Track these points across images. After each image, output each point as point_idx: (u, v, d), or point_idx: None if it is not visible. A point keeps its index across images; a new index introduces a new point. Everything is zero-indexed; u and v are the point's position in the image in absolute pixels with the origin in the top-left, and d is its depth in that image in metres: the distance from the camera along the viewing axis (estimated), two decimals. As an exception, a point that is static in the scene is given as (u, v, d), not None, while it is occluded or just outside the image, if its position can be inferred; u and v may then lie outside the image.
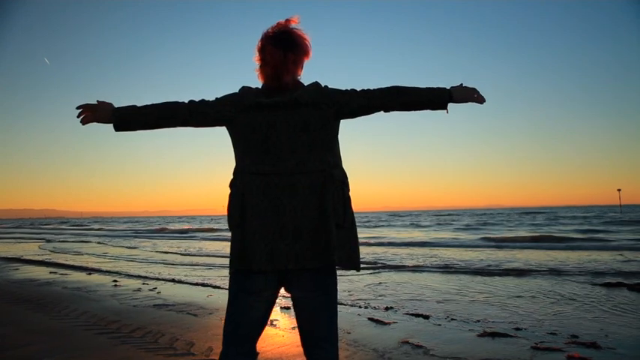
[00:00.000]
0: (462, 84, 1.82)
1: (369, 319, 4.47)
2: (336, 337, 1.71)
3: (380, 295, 5.89)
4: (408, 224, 35.04)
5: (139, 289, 6.43)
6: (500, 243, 15.61)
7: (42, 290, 6.39)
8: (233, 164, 1.76)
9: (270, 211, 1.62)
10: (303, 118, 1.67)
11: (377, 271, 8.66)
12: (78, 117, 1.75)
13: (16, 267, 9.85)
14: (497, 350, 3.39)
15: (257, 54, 1.78)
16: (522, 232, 21.61)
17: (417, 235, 22.20)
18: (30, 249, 16.28)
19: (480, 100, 1.82)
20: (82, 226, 51.80)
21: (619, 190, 63.32)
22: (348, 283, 6.89)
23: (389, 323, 4.26)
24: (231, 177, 1.75)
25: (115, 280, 7.45)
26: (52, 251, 15.04)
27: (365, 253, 12.14)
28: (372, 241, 17.79)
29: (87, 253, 14.04)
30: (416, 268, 8.96)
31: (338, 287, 1.73)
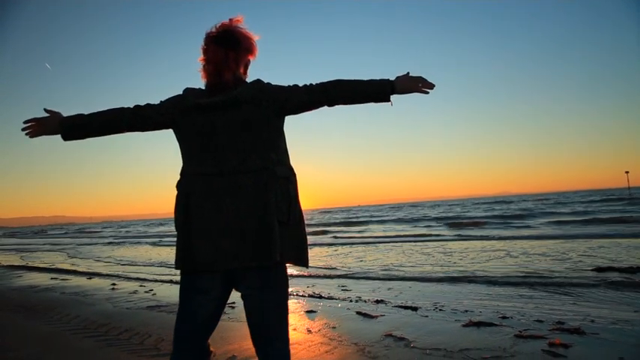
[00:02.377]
0: (408, 73, 1.80)
1: (357, 312, 4.47)
2: (287, 333, 1.71)
3: (377, 288, 5.89)
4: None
5: (135, 292, 6.47)
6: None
7: (39, 296, 6.46)
8: None
9: (214, 212, 1.62)
10: (243, 116, 1.67)
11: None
12: (23, 130, 1.77)
13: (20, 274, 9.94)
14: (479, 340, 3.38)
15: (201, 54, 1.78)
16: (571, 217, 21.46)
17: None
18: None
19: (425, 90, 1.79)
20: (96, 231, 52.19)
21: (627, 172, 62.47)
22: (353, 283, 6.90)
23: (376, 317, 4.26)
24: (178, 178, 1.75)
25: (114, 284, 7.50)
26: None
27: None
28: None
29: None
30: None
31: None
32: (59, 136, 1.78)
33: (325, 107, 1.80)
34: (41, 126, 1.77)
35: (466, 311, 4.34)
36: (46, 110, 1.79)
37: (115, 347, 3.56)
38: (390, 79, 1.78)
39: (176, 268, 1.69)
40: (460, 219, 24.73)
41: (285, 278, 1.72)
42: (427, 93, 1.80)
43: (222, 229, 1.61)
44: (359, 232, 20.48)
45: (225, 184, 1.63)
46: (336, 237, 17.33)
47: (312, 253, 10.52)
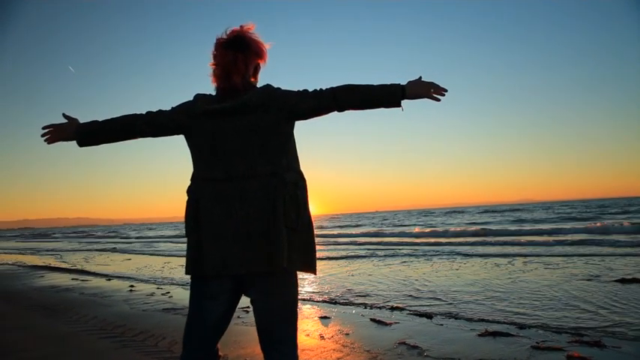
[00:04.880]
0: (420, 77, 1.78)
1: (372, 319, 4.43)
2: (295, 339, 1.70)
3: (390, 290, 5.83)
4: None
5: (152, 294, 6.55)
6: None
7: (59, 296, 6.59)
8: None
9: (223, 217, 1.63)
10: (252, 122, 1.67)
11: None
12: (42, 136, 1.81)
13: (42, 274, 10.16)
14: (494, 350, 3.31)
15: (211, 59, 1.80)
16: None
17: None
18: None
19: (436, 96, 1.77)
20: (121, 233, 53.10)
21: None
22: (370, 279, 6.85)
23: (390, 324, 4.22)
24: (189, 183, 1.77)
25: (132, 286, 7.61)
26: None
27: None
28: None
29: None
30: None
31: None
32: (75, 142, 1.82)
33: (335, 112, 1.80)
34: (59, 132, 1.81)
35: (482, 320, 4.27)
36: (64, 116, 1.83)
37: (130, 349, 3.60)
38: (401, 83, 1.76)
39: (186, 273, 1.70)
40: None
41: (293, 284, 1.71)
42: (439, 100, 1.77)
43: (231, 235, 1.61)
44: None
45: (234, 190, 1.63)
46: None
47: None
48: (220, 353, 1.77)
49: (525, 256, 9.93)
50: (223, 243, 1.61)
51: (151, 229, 63.13)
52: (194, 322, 1.69)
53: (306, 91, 1.76)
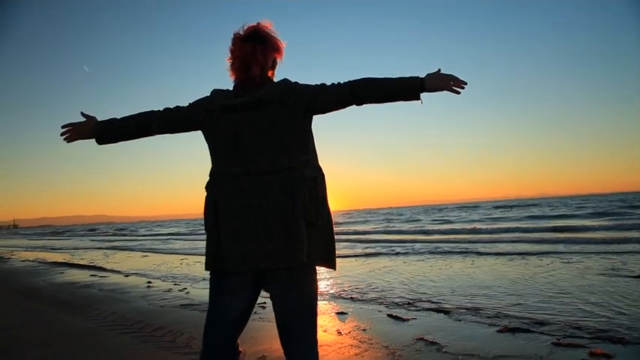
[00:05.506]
0: (439, 70, 1.74)
1: (389, 315, 4.41)
2: (314, 334, 1.69)
3: (404, 287, 5.80)
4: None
5: (169, 290, 6.61)
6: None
7: (79, 292, 6.69)
8: None
9: (242, 212, 1.62)
10: (269, 117, 1.66)
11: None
12: (62, 135, 1.82)
13: (62, 271, 10.33)
14: (514, 347, 3.26)
15: (229, 54, 1.79)
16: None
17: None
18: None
19: (456, 89, 1.73)
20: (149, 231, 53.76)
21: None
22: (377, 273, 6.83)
23: (407, 319, 4.20)
24: (207, 179, 1.76)
25: (149, 282, 7.69)
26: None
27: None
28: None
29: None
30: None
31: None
32: (94, 140, 1.84)
33: (354, 106, 1.78)
34: (77, 131, 1.82)
35: (500, 316, 4.21)
36: (83, 114, 1.84)
37: (149, 344, 3.63)
38: (420, 76, 1.73)
39: (206, 268, 1.70)
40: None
41: (313, 279, 1.70)
42: (458, 93, 1.73)
43: (250, 230, 1.61)
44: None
45: (252, 185, 1.63)
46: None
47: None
48: (240, 349, 1.77)
49: (544, 253, 9.79)
50: (243, 238, 1.61)
51: (164, 226, 63.85)
52: (214, 318, 1.69)
53: (324, 85, 1.74)
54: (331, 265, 1.72)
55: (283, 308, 1.66)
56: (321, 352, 3.22)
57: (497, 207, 52.67)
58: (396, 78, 1.73)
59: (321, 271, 7.98)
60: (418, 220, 32.24)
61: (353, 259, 10.27)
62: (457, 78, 1.72)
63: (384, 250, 11.69)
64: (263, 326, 3.98)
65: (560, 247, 10.51)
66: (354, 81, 1.73)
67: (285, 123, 1.66)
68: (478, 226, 21.40)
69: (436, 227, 22.45)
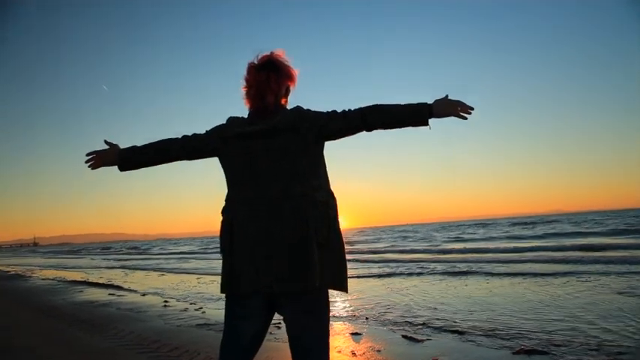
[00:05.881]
0: (447, 96, 1.80)
1: (403, 336, 4.40)
2: (327, 354, 1.73)
3: (420, 308, 5.77)
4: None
5: (185, 309, 6.68)
6: None
7: (97, 311, 6.79)
8: None
9: (256, 237, 1.68)
10: (283, 144, 1.73)
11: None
12: (86, 163, 1.92)
13: (81, 289, 10.49)
14: (530, 369, 3.24)
15: (243, 83, 1.88)
16: None
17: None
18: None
19: (463, 114, 1.79)
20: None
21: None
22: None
23: (422, 340, 4.18)
24: (223, 204, 1.84)
25: (166, 301, 7.77)
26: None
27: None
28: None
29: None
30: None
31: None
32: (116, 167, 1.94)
33: (364, 132, 1.84)
34: (101, 158, 1.92)
35: (516, 337, 4.17)
36: (106, 142, 1.94)
37: (166, 364, 3.69)
38: (428, 102, 1.78)
39: (221, 291, 1.76)
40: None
41: (325, 303, 1.75)
42: (465, 118, 1.79)
43: (265, 254, 1.66)
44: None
45: (266, 211, 1.69)
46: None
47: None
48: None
49: (565, 273, 9.62)
50: (257, 262, 1.67)
51: (180, 244, 64.25)
52: (229, 341, 1.74)
53: (334, 111, 1.81)
54: (343, 288, 1.76)
55: (296, 331, 1.71)
56: (335, 373, 3.25)
57: (514, 224, 51.92)
58: (405, 105, 1.79)
59: (336, 292, 7.95)
60: (434, 239, 31.93)
61: (368, 279, 10.22)
62: (464, 104, 1.77)
63: (398, 270, 11.60)
64: (278, 346, 4.01)
65: (583, 267, 10.31)
66: (364, 108, 1.80)
67: (298, 150, 1.73)
68: (495, 244, 21.15)
69: (451, 246, 22.20)
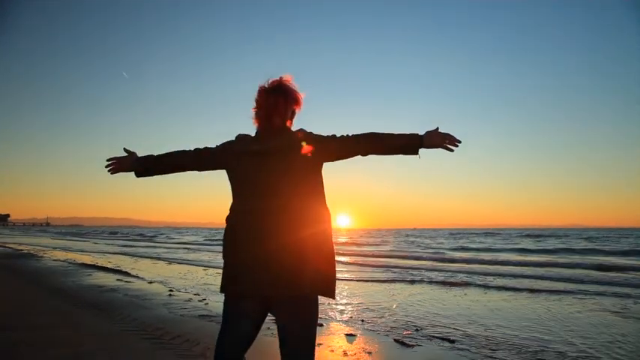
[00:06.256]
0: (437, 128, 1.98)
1: (395, 340, 4.58)
2: (313, 356, 1.92)
3: (413, 314, 5.94)
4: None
5: (189, 300, 6.93)
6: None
7: (105, 296, 7.07)
8: None
9: (256, 245, 1.88)
10: (286, 162, 1.93)
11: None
12: (106, 167, 2.14)
13: (90, 273, 10.82)
14: (511, 380, 3.40)
15: (254, 104, 2.07)
16: None
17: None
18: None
19: (450, 147, 1.97)
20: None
21: None
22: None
23: (412, 346, 4.36)
24: (227, 212, 2.04)
25: (171, 291, 8.03)
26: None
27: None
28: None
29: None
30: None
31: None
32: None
33: (359, 156, 2.03)
34: (120, 165, 2.13)
35: (503, 348, 4.32)
36: (125, 150, 2.15)
37: (168, 351, 3.91)
38: (420, 133, 1.97)
39: (221, 291, 1.96)
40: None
41: (314, 308, 1.93)
42: (452, 150, 1.97)
43: (263, 262, 1.86)
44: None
45: (268, 222, 1.88)
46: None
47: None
48: (246, 362, 2.01)
49: (563, 292, 9.69)
50: (256, 268, 1.86)
51: (186, 233, 64.85)
52: (225, 335, 1.94)
53: (334, 136, 2.00)
54: (331, 295, 1.95)
55: (286, 332, 1.90)
56: (325, 371, 3.44)
57: (525, 235, 51.69)
58: (398, 134, 1.98)
59: (338, 291, 8.12)
60: (440, 245, 31.96)
61: (369, 283, 10.38)
62: (452, 137, 1.96)
63: (400, 276, 11.71)
64: (272, 341, 4.21)
65: (584, 286, 10.38)
66: (360, 135, 1.99)
67: (298, 169, 1.93)
68: (501, 256, 21.17)
69: (456, 254, 22.25)
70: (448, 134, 1.96)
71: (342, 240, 41.69)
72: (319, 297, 1.96)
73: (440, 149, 1.99)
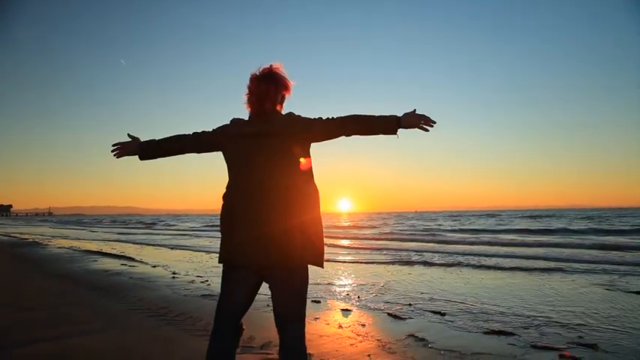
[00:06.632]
0: (414, 110, 2.16)
1: (389, 314, 4.81)
2: (303, 322, 2.12)
3: (410, 290, 6.18)
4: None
5: (192, 281, 7.17)
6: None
7: (111, 279, 7.32)
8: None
9: (250, 220, 2.07)
10: (276, 143, 2.11)
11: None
12: (112, 152, 2.32)
13: (95, 259, 11.08)
14: (494, 346, 3.63)
15: (246, 90, 2.25)
16: None
17: (476, 237, 21.77)
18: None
19: (426, 127, 2.14)
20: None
21: None
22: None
23: (404, 319, 4.59)
24: (224, 190, 2.23)
25: (175, 273, 8.27)
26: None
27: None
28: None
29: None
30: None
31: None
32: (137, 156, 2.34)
33: (343, 137, 2.21)
34: (125, 149, 2.31)
35: (492, 320, 4.55)
36: (129, 135, 2.33)
37: (172, 326, 4.15)
38: (398, 114, 2.15)
39: (219, 262, 2.16)
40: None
41: (304, 277, 2.13)
42: (427, 130, 2.15)
43: (256, 234, 2.05)
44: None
45: (259, 198, 2.07)
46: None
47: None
48: (244, 327, 2.22)
49: (554, 270, 9.94)
50: (250, 240, 2.05)
51: (192, 220, 65.33)
52: (223, 301, 2.14)
53: (320, 118, 2.18)
54: (319, 264, 2.15)
55: (279, 298, 2.10)
56: (319, 341, 3.71)
57: (523, 217, 51.99)
58: (378, 116, 2.15)
59: (335, 272, 8.39)
60: (440, 227, 32.27)
61: (367, 265, 10.64)
62: (428, 118, 2.14)
63: (397, 258, 11.93)
64: (271, 317, 4.42)
65: (576, 264, 10.63)
66: (344, 117, 2.16)
67: (288, 149, 2.11)
68: (500, 237, 21.47)
69: (456, 236, 22.53)
70: (424, 115, 2.13)
71: (344, 224, 42.05)
72: (314, 270, 2.16)
73: (417, 129, 2.16)
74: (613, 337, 3.97)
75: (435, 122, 2.15)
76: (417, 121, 2.13)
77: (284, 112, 2.26)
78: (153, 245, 17.62)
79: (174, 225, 46.33)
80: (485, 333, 4.04)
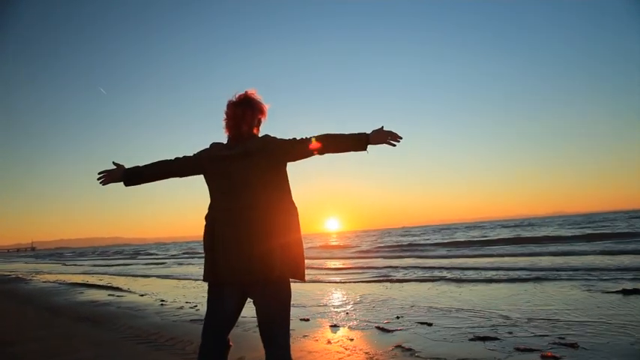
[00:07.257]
0: (382, 127, 2.30)
1: (377, 327, 4.89)
2: (287, 333, 2.20)
3: (395, 304, 6.26)
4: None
5: (181, 307, 7.15)
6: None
7: (99, 310, 7.27)
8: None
9: (232, 238, 2.17)
10: (254, 164, 2.23)
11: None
12: (98, 180, 2.41)
13: (81, 291, 10.95)
14: (479, 351, 3.74)
15: (224, 115, 2.38)
16: None
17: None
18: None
19: (393, 142, 2.29)
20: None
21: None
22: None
23: (392, 331, 4.67)
24: (207, 211, 2.33)
25: (163, 300, 8.23)
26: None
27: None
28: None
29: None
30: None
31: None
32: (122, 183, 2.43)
33: (317, 155, 2.34)
34: (110, 176, 2.41)
35: (479, 327, 4.65)
36: (114, 163, 2.43)
37: (162, 351, 4.17)
38: (367, 132, 2.29)
39: (204, 280, 2.25)
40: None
41: (286, 290, 2.22)
42: (394, 145, 2.29)
43: (238, 252, 2.15)
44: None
45: (240, 217, 2.18)
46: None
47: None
48: (231, 343, 2.30)
49: (537, 279, 10.09)
50: (233, 258, 2.15)
51: (176, 248, 64.57)
52: (209, 318, 2.22)
53: (294, 139, 2.31)
54: (300, 278, 2.25)
55: (263, 312, 2.19)
56: (308, 357, 3.80)
57: (507, 226, 52.45)
58: (348, 134, 2.29)
59: (323, 292, 8.44)
60: (427, 241, 32.44)
61: (355, 284, 10.71)
62: (395, 134, 2.28)
63: (384, 276, 11.99)
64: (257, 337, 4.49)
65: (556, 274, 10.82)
66: (317, 136, 2.30)
67: (265, 169, 2.23)
68: (485, 248, 21.66)
69: (441, 251, 22.73)
70: (391, 132, 2.28)
71: (332, 243, 41.93)
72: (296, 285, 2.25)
73: (385, 145, 2.30)
74: (592, 335, 4.10)
75: (401, 138, 2.29)
76: (384, 137, 2.27)
77: (260, 134, 2.39)
78: (139, 276, 17.42)
79: (163, 254, 45.74)
80: (471, 340, 4.14)
